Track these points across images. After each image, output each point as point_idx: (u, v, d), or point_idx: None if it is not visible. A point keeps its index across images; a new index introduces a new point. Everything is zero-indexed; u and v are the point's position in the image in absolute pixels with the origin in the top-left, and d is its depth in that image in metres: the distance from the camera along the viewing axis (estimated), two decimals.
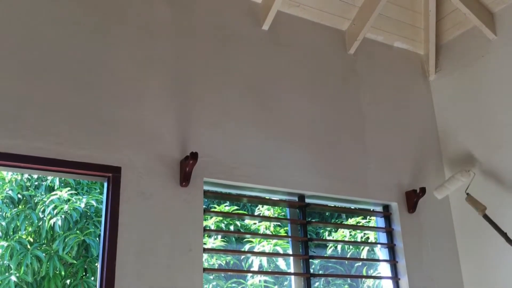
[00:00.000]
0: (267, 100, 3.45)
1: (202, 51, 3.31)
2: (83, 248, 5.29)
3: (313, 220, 4.70)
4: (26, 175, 5.49)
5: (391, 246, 3.66)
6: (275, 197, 3.44)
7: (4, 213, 5.39)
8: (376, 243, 4.03)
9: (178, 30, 3.27)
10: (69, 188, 5.47)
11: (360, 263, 5.65)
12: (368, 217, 5.15)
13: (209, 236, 5.38)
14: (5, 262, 5.06)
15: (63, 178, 5.55)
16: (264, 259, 5.22)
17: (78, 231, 5.22)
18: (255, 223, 5.77)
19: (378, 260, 4.03)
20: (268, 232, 5.73)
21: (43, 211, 5.27)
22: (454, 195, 3.95)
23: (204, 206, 2.96)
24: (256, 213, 5.87)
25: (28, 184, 5.58)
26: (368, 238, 5.41)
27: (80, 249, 5.25)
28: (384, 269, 3.72)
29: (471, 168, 3.53)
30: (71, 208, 5.22)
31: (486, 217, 3.39)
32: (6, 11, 2.75)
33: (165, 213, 2.81)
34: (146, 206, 2.76)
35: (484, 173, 3.74)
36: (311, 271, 3.30)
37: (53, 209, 5.22)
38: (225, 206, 5.61)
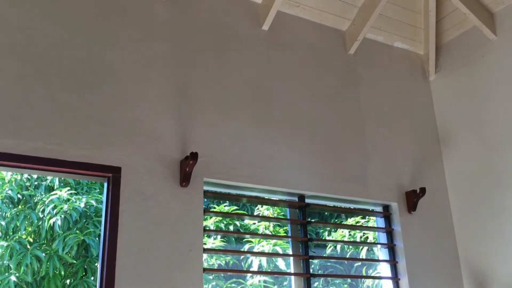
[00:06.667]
0: (267, 100, 3.45)
1: (202, 51, 3.31)
2: (83, 248, 5.28)
3: (313, 220, 4.70)
4: (26, 175, 5.49)
5: (391, 246, 3.66)
6: (275, 197, 3.44)
7: (4, 213, 5.38)
8: (376, 243, 4.03)
9: (178, 30, 3.27)
10: (68, 188, 5.46)
11: (359, 263, 5.64)
12: (367, 217, 5.14)
13: (209, 236, 5.38)
14: (5, 262, 5.06)
15: (62, 178, 5.55)
16: (264, 259, 5.22)
17: (78, 231, 5.22)
18: (254, 223, 5.77)
19: (378, 260, 4.03)
20: (267, 232, 5.72)
21: (43, 211, 5.27)
22: (454, 194, 3.95)
23: (203, 206, 2.96)
24: (255, 213, 5.86)
25: (28, 184, 5.57)
26: (367, 238, 5.41)
27: (80, 249, 5.24)
28: (384, 269, 3.72)
29: None
30: (71, 207, 5.21)
31: None
32: (6, 11, 2.75)
33: (165, 213, 2.81)
34: (146, 206, 2.76)
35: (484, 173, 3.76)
36: (311, 271, 3.30)
37: (53, 209, 5.21)
38: (224, 206, 5.60)
